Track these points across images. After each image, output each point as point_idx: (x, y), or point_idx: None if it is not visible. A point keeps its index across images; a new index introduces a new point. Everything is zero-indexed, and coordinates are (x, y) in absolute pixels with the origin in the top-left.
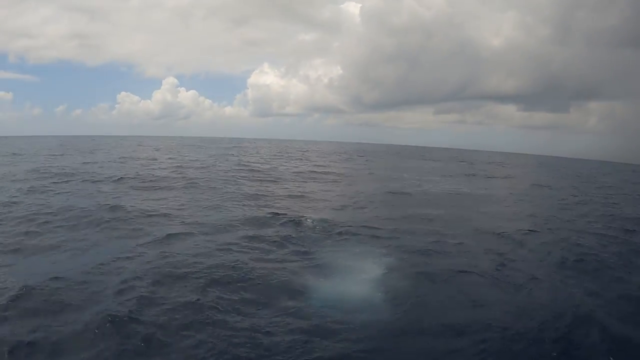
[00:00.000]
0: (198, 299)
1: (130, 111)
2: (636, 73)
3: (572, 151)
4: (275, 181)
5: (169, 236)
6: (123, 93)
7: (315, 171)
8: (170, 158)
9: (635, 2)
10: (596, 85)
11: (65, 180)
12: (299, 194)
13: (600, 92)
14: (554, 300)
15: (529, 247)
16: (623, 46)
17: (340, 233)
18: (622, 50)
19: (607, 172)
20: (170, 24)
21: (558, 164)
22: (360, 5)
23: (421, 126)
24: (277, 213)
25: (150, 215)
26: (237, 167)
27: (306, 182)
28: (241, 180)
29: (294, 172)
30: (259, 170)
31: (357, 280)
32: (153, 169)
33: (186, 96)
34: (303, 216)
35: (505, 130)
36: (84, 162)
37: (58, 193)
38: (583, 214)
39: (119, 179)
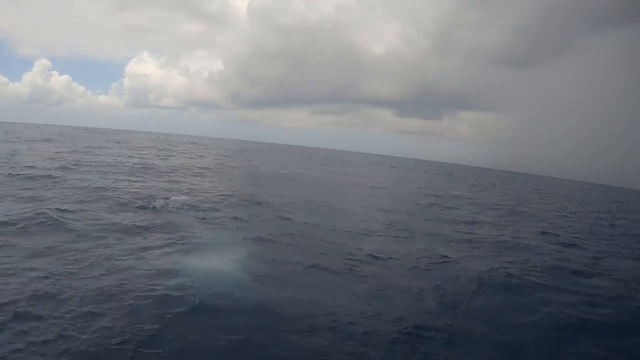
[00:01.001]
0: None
1: None
2: (503, 88)
3: (444, 156)
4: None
5: None
6: None
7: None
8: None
9: (511, 25)
10: (467, 96)
11: None
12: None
13: (471, 103)
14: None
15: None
16: (495, 63)
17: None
18: (494, 67)
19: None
20: (49, 0)
21: (422, 167)
22: (248, 0)
23: (299, 125)
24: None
25: None
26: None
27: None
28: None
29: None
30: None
31: (219, 262)
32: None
33: (58, 81)
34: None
35: (381, 134)
36: None
37: None
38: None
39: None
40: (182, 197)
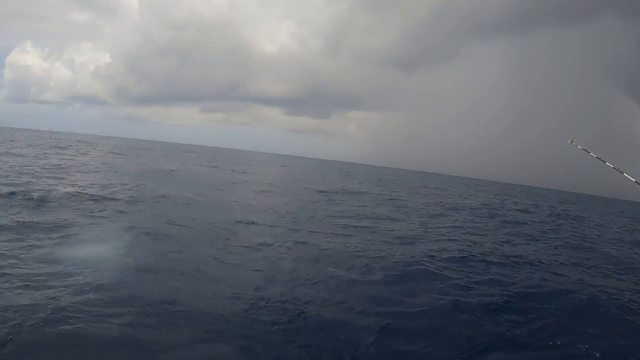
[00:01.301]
0: None
1: None
2: (392, 89)
3: (333, 154)
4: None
5: None
6: None
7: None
8: None
9: (403, 29)
10: (357, 96)
11: None
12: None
13: (360, 103)
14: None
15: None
16: (384, 66)
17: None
18: (383, 69)
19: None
20: None
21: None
22: None
23: (187, 123)
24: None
25: None
26: None
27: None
28: None
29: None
30: None
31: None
32: None
33: None
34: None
35: (270, 132)
36: None
37: None
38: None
39: None
40: (67, 190)
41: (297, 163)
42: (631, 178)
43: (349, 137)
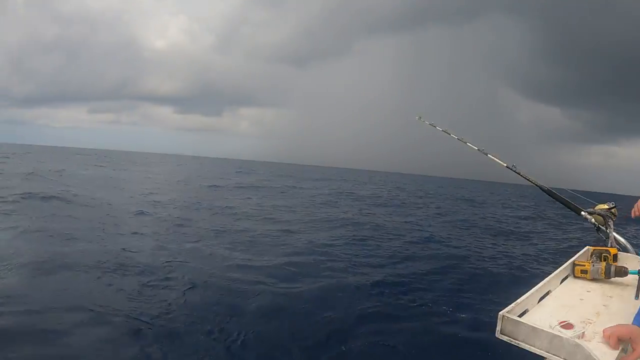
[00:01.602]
0: None
1: None
2: (283, 85)
3: (224, 152)
4: None
5: None
6: None
7: None
8: None
9: (295, 25)
10: (250, 93)
11: None
12: None
13: (253, 100)
14: None
15: None
16: (276, 61)
17: None
18: (275, 65)
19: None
20: None
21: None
22: None
23: (75, 125)
24: None
25: None
26: None
27: None
28: None
29: None
30: None
31: None
32: None
33: None
34: None
35: (161, 131)
36: None
37: None
38: None
39: None
40: None
41: (188, 163)
42: (474, 147)
43: (243, 135)
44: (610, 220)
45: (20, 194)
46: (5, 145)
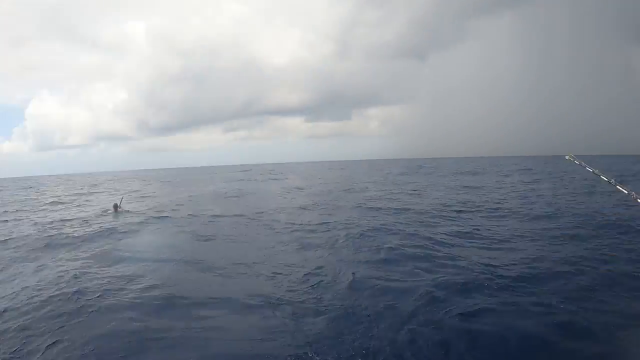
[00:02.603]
0: None
1: None
2: (407, 80)
3: (358, 154)
4: None
5: None
6: None
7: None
8: None
9: (408, 18)
10: (374, 93)
11: None
12: None
13: (378, 99)
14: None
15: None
16: (397, 57)
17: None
18: (396, 61)
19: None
20: None
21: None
22: (145, 24)
23: (211, 145)
24: None
25: None
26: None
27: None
28: None
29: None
30: None
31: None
32: None
33: None
34: None
35: (293, 141)
36: None
37: None
38: None
39: None
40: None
41: (325, 167)
42: (624, 190)
43: (374, 135)
44: None
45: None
46: (152, 171)
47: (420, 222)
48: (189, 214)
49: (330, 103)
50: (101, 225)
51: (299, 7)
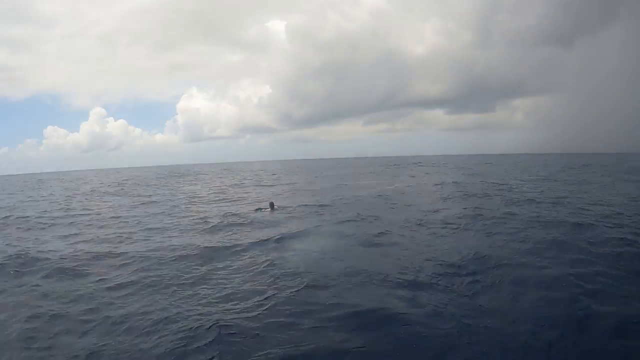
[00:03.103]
0: None
1: (59, 145)
2: (553, 68)
3: (501, 148)
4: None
5: None
6: (50, 127)
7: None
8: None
9: (549, 1)
10: (519, 83)
11: None
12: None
13: (523, 89)
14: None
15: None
16: (540, 44)
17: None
18: (540, 48)
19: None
20: (94, 52)
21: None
22: (285, 22)
23: (352, 137)
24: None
25: None
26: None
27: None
28: None
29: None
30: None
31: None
32: None
33: (115, 126)
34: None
35: (435, 134)
36: None
37: None
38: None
39: None
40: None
41: (471, 161)
42: None
43: (518, 127)
44: None
45: None
46: (297, 161)
47: None
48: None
49: (472, 94)
50: None
51: None
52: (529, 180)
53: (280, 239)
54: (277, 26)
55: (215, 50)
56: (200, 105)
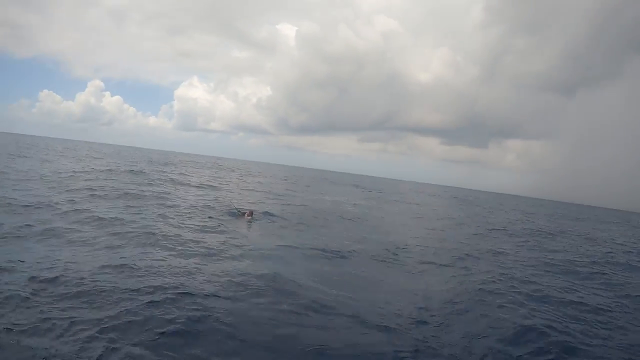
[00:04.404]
0: None
1: (52, 111)
2: (554, 115)
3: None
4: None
5: None
6: (45, 91)
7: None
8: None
9: (560, 50)
10: (516, 124)
11: None
12: None
13: (519, 131)
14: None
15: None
16: (545, 90)
17: None
18: (543, 94)
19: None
20: (103, 24)
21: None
22: (297, 28)
23: (345, 152)
24: None
25: None
26: None
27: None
28: None
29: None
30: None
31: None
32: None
33: (110, 101)
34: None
35: (427, 162)
36: None
37: None
38: None
39: None
40: None
41: (460, 194)
42: None
43: (508, 168)
44: None
45: None
46: (282, 166)
47: None
48: None
49: (469, 128)
50: None
51: (449, 26)
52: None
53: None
54: (288, 30)
55: (224, 43)
56: (198, 95)
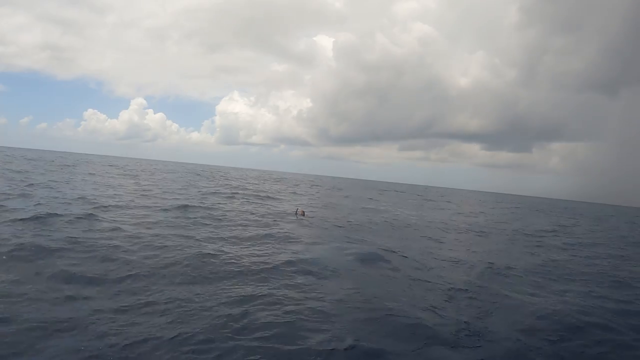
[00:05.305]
0: None
1: (96, 129)
2: (598, 116)
3: (534, 190)
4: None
5: None
6: (90, 110)
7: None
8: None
9: (599, 47)
10: (559, 126)
11: None
12: None
13: (563, 134)
14: None
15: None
16: (586, 90)
17: None
18: (584, 94)
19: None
20: (144, 44)
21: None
22: (334, 39)
23: (386, 161)
24: None
25: None
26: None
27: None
28: None
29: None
30: None
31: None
32: None
33: (153, 118)
34: None
35: (469, 168)
36: None
37: None
38: None
39: None
40: None
41: (509, 201)
42: None
43: (552, 172)
44: None
45: None
46: (326, 177)
47: None
48: None
49: (511, 132)
50: None
51: (485, 29)
52: None
53: None
54: (325, 42)
55: (262, 57)
56: (239, 109)
